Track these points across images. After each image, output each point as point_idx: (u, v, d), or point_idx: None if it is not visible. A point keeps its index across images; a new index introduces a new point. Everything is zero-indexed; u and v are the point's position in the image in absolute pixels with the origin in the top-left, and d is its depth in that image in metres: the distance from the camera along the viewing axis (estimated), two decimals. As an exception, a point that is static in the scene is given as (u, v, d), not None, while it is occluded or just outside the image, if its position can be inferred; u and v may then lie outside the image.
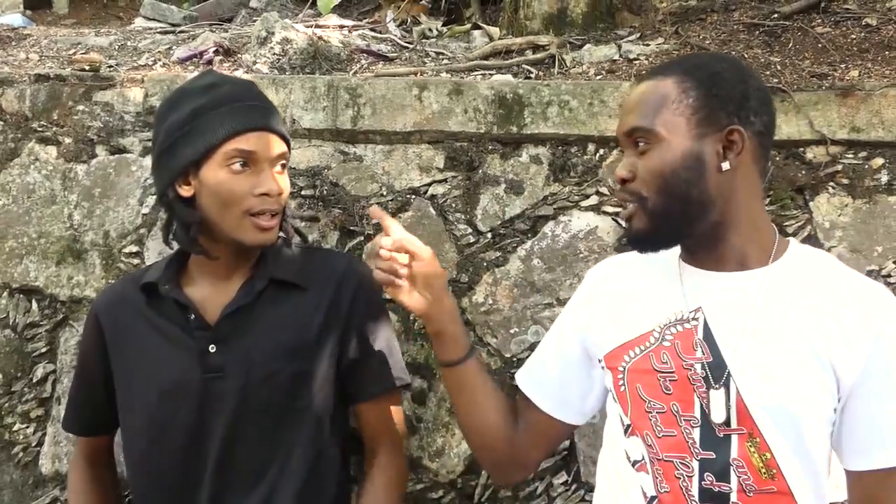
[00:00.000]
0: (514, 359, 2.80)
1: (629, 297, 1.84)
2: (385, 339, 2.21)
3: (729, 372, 1.66)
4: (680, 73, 1.70)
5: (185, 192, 1.96)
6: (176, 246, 2.14)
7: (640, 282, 1.85)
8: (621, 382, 1.77)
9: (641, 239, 1.74)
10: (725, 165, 1.66)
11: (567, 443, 2.70)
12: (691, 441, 1.67)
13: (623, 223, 1.78)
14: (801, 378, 1.62)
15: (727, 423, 1.65)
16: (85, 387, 2.26)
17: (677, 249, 1.81)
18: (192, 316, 2.03)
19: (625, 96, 2.77)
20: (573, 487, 2.68)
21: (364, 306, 2.14)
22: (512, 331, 2.84)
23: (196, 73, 2.14)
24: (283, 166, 2.04)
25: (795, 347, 1.63)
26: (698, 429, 1.67)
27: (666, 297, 1.78)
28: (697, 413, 1.68)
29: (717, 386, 1.66)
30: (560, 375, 1.97)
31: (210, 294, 2.06)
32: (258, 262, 2.10)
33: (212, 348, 2.00)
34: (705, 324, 1.71)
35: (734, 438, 1.64)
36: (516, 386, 2.09)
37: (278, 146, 2.00)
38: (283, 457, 2.05)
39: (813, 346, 1.62)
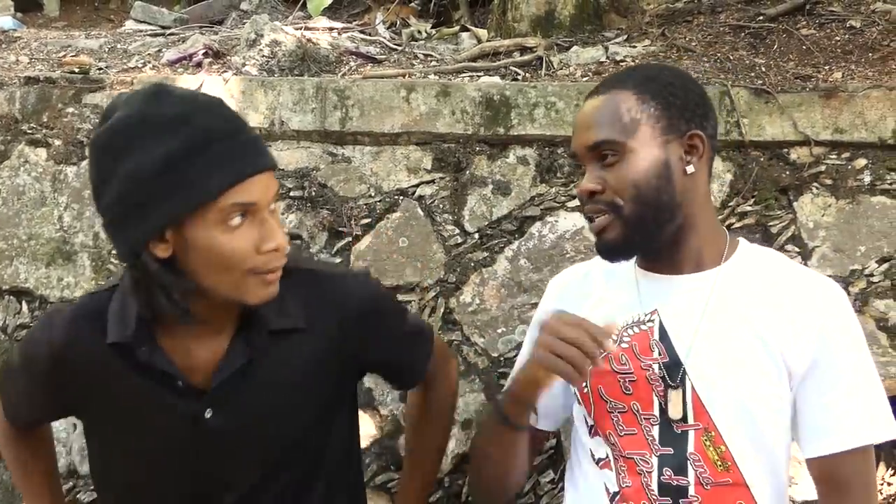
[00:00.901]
0: (502, 358, 2.82)
1: (588, 303, 1.87)
2: (406, 333, 1.99)
3: (685, 370, 1.70)
4: (634, 85, 1.73)
5: (161, 251, 1.55)
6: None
7: (599, 289, 1.89)
8: (584, 385, 1.80)
9: (615, 248, 1.75)
10: (690, 168, 1.70)
11: (553, 441, 2.72)
12: (651, 438, 1.72)
13: (593, 236, 1.78)
14: (754, 373, 1.67)
15: (684, 419, 1.70)
16: (29, 407, 1.93)
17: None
18: (180, 384, 1.69)
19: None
20: (559, 486, 2.70)
21: (377, 326, 1.86)
22: (499, 330, 2.86)
23: (141, 88, 1.62)
24: (276, 202, 1.67)
25: (748, 344, 1.68)
26: (657, 426, 1.72)
27: (623, 302, 1.82)
28: (656, 411, 1.72)
29: (675, 384, 1.71)
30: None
31: (195, 349, 1.71)
32: (246, 311, 1.72)
33: (208, 413, 1.70)
34: (661, 325, 1.76)
35: (691, 434, 1.69)
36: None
37: (274, 185, 1.62)
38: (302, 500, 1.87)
39: (765, 341, 1.67)
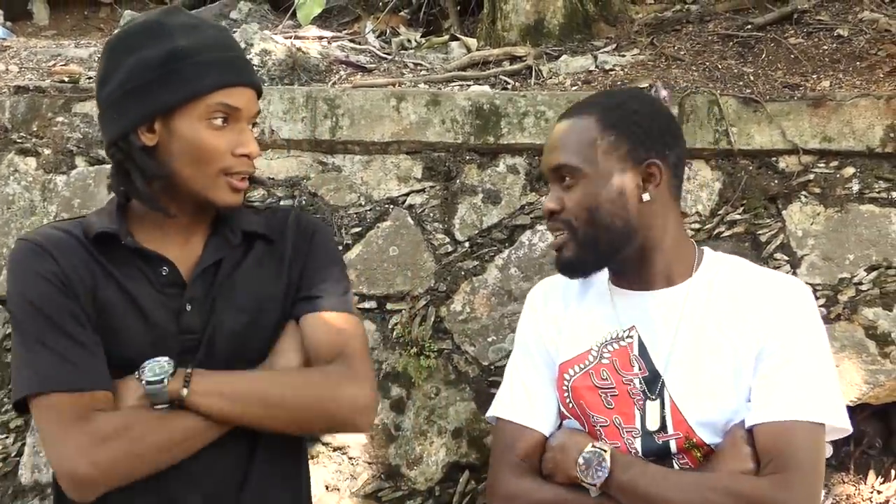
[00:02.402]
0: (492, 367, 2.83)
1: (566, 318, 1.93)
2: (337, 276, 1.96)
3: (663, 382, 1.76)
4: (599, 112, 1.81)
5: (147, 139, 1.72)
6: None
7: (574, 304, 1.94)
8: (568, 399, 1.84)
9: (570, 266, 1.84)
10: (646, 197, 1.77)
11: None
12: (634, 450, 1.76)
13: (554, 252, 1.87)
14: (728, 378, 1.73)
15: (663, 429, 1.75)
16: (83, 325, 1.74)
17: (606, 273, 1.91)
18: (165, 270, 1.78)
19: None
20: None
21: (316, 250, 1.93)
22: (490, 339, 2.87)
23: (160, 8, 1.84)
24: (255, 125, 1.90)
25: (721, 351, 1.74)
26: (639, 438, 1.77)
27: (599, 318, 1.88)
28: (638, 424, 1.77)
29: (654, 397, 1.76)
30: (549, 394, 1.95)
31: (169, 249, 1.82)
32: (216, 218, 1.87)
33: (188, 307, 1.78)
34: (640, 341, 1.82)
35: (672, 443, 1.74)
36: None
37: (256, 105, 1.82)
38: None
39: (736, 346, 1.74)
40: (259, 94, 1.83)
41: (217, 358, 1.78)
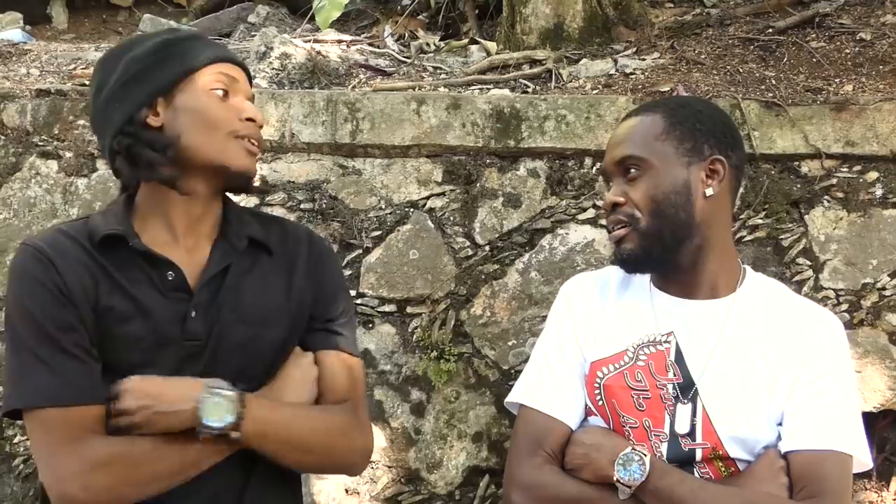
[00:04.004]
0: (512, 370, 2.82)
1: (602, 315, 1.93)
2: (349, 311, 1.96)
3: (697, 390, 1.78)
4: (666, 110, 1.85)
5: (152, 121, 1.74)
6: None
7: (612, 302, 1.94)
8: (598, 397, 1.83)
9: (632, 259, 1.84)
10: (709, 191, 1.80)
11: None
12: (659, 454, 1.76)
13: (613, 245, 1.88)
14: (761, 395, 1.76)
15: (691, 436, 1.76)
16: (77, 344, 1.69)
17: (647, 275, 1.92)
18: (172, 275, 1.74)
19: (620, 112, 2.82)
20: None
21: (330, 275, 1.93)
22: (510, 343, 2.87)
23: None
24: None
25: (757, 368, 1.77)
26: (666, 443, 1.78)
27: (637, 318, 1.88)
28: (666, 429, 1.78)
29: (685, 401, 1.78)
30: (578, 388, 1.94)
31: (174, 252, 1.77)
32: (224, 223, 1.84)
33: (192, 313, 1.73)
34: (677, 347, 1.82)
35: (699, 452, 1.75)
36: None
37: (249, 88, 1.86)
38: None
39: (771, 365, 1.77)
40: (250, 81, 1.88)
41: (220, 370, 1.74)
